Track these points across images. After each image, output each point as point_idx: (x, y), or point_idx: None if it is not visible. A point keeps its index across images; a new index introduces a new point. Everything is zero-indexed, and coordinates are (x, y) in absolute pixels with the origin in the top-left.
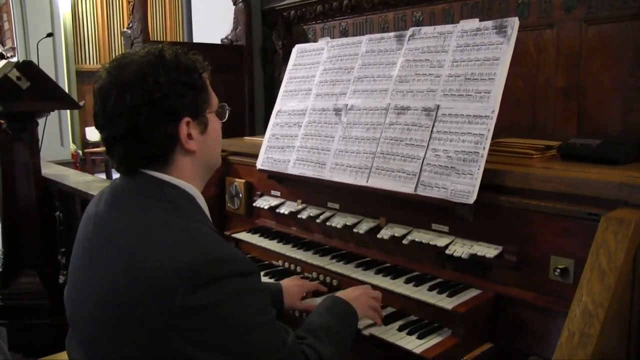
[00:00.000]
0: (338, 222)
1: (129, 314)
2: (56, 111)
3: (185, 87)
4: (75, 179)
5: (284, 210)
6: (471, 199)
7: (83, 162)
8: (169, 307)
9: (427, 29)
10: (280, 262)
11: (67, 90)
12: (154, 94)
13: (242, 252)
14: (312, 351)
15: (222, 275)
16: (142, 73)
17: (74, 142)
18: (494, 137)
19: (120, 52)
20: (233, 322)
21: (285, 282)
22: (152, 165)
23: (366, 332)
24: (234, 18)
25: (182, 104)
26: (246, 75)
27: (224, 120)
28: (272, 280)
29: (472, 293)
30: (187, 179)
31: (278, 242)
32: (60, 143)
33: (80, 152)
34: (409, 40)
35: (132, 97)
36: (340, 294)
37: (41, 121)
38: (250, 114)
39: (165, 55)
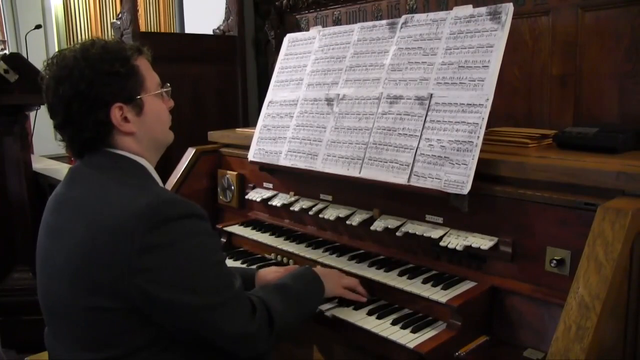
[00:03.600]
0: (331, 214)
1: (93, 264)
2: None
3: (108, 76)
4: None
5: (276, 202)
6: (465, 190)
7: None
8: (130, 248)
9: (419, 16)
10: (272, 255)
11: None
12: (81, 85)
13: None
14: (260, 301)
15: (177, 215)
16: (70, 67)
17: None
18: (489, 126)
19: None
20: (189, 260)
21: (263, 269)
22: (96, 148)
23: (358, 325)
24: (226, 8)
25: (109, 92)
26: (239, 65)
27: (171, 105)
28: None
29: (467, 285)
30: (134, 154)
31: (270, 234)
32: (54, 137)
33: None
34: (401, 28)
35: (64, 90)
36: (315, 268)
37: (32, 115)
38: (244, 105)
39: (92, 47)
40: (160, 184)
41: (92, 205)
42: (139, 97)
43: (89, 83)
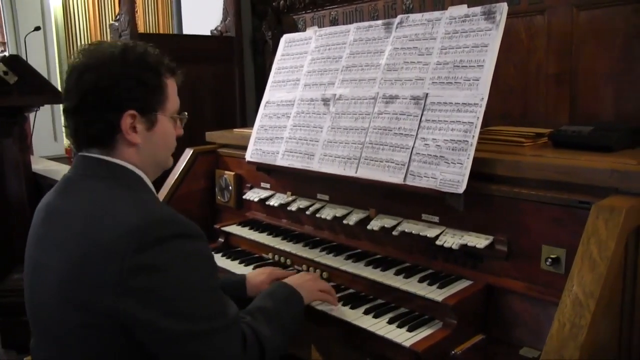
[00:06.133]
0: (328, 213)
1: (83, 281)
2: (48, 106)
3: (134, 81)
4: None
5: (273, 202)
6: (461, 189)
7: None
8: (120, 268)
9: (415, 16)
10: (270, 255)
11: (59, 85)
12: (103, 81)
13: (188, 219)
14: (249, 329)
15: (170, 235)
16: (101, 61)
17: (67, 137)
18: (484, 125)
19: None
20: (179, 284)
21: (250, 273)
22: (97, 147)
23: (355, 324)
24: (224, 9)
25: (128, 97)
26: (236, 66)
27: (181, 133)
28: None
29: (463, 284)
30: (134, 165)
31: (268, 234)
32: (54, 138)
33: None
34: (397, 28)
35: (86, 80)
36: (287, 280)
37: (31, 116)
38: (241, 105)
39: (131, 49)
40: (156, 194)
41: (84, 220)
42: (155, 112)
43: (112, 82)
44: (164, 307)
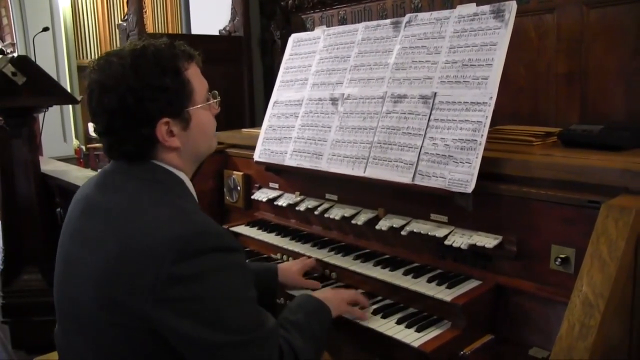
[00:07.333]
0: (336, 213)
1: (119, 283)
2: (58, 107)
3: (157, 91)
4: (75, 174)
5: (282, 202)
6: (469, 188)
7: (86, 157)
8: (157, 275)
9: (423, 15)
10: (278, 255)
11: (68, 86)
12: (127, 99)
13: (226, 230)
14: (285, 341)
15: (209, 248)
16: (118, 77)
17: (77, 137)
18: (494, 124)
19: (119, 46)
20: (216, 295)
21: (283, 263)
22: (135, 159)
23: (363, 325)
24: (232, 9)
25: (156, 107)
26: (245, 66)
27: (217, 111)
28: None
29: (472, 284)
30: (175, 167)
31: (276, 234)
32: (63, 139)
33: (83, 147)
34: (405, 27)
35: (109, 101)
36: (314, 293)
37: (40, 117)
38: (250, 105)
39: (142, 55)
40: (195, 197)
41: (125, 221)
42: (187, 110)
43: (136, 98)
44: (200, 318)
